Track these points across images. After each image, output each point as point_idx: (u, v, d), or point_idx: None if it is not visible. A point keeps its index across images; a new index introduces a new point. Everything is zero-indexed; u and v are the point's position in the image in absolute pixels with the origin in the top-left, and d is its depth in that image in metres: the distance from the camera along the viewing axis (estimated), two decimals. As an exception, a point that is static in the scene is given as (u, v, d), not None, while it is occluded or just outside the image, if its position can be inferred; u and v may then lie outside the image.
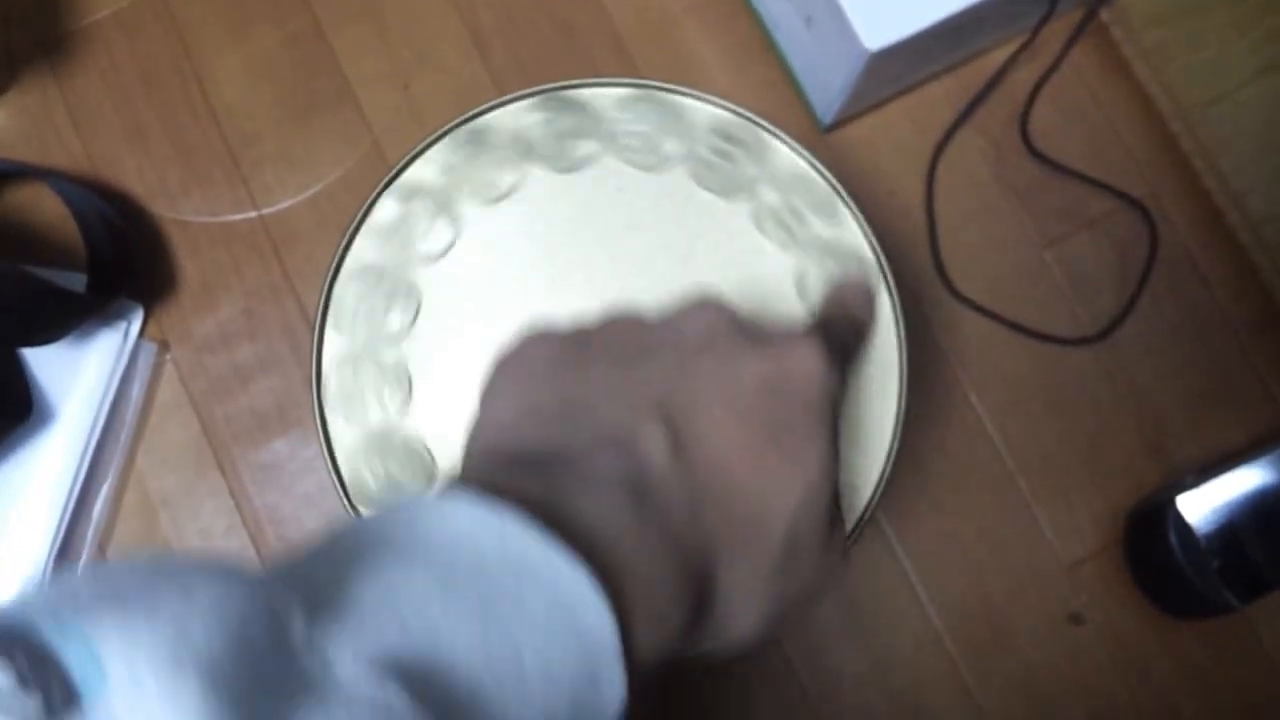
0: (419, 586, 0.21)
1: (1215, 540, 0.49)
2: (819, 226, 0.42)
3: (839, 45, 0.47)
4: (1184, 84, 0.54)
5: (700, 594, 0.26)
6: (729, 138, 0.43)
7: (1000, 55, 0.54)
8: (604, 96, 0.43)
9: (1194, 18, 0.54)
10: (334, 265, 0.42)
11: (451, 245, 0.42)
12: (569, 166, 0.42)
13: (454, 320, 0.41)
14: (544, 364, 0.29)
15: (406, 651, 0.20)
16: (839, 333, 0.34)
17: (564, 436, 0.26)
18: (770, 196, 0.42)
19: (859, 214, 0.42)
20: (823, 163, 0.42)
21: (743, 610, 0.27)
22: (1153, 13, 0.54)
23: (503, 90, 0.53)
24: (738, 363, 0.28)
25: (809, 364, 0.28)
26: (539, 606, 0.21)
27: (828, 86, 0.51)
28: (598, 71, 0.54)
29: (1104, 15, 0.54)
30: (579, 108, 0.43)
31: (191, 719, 0.16)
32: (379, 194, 0.42)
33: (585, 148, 0.42)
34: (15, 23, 0.54)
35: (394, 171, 0.42)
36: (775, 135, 0.43)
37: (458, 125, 0.43)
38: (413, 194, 0.42)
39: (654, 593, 0.24)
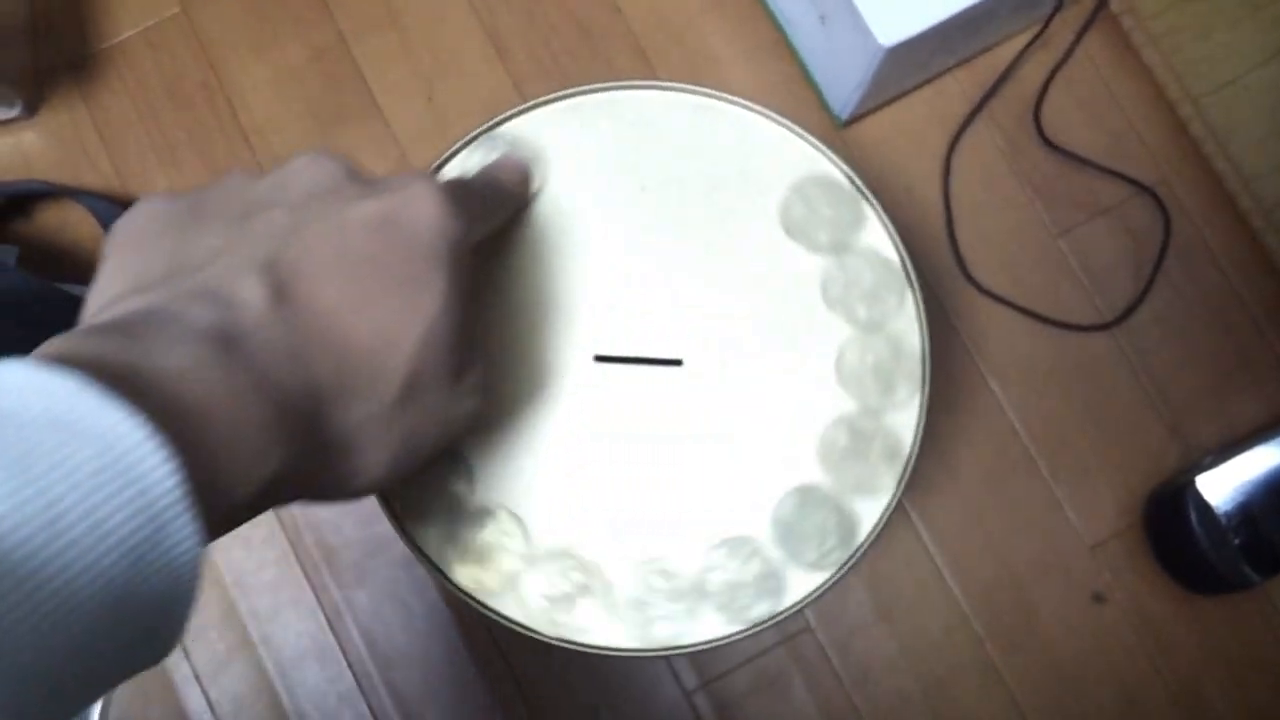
0: None
1: (1235, 518, 0.50)
2: (839, 226, 0.42)
3: (853, 42, 0.48)
4: (1194, 70, 0.54)
5: (310, 438, 0.26)
6: (754, 140, 0.43)
7: (1012, 47, 0.54)
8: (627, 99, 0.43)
9: (1203, 4, 0.54)
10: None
11: (479, 245, 0.43)
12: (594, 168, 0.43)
13: (486, 318, 0.42)
14: (155, 230, 0.29)
15: None
16: (475, 188, 0.34)
17: (161, 299, 0.26)
18: (795, 197, 0.43)
19: (884, 217, 0.43)
20: (841, 158, 0.43)
21: (369, 452, 0.28)
22: (1162, 1, 0.54)
23: (524, 94, 0.54)
24: (347, 207, 0.28)
25: (422, 204, 0.29)
26: (84, 462, 0.20)
27: (843, 83, 0.52)
28: (617, 72, 0.54)
29: (1114, 4, 0.55)
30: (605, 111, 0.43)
31: None
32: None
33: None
34: (43, 44, 0.54)
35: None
36: (799, 134, 0.43)
37: (484, 131, 0.43)
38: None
39: (241, 438, 0.24)
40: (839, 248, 0.43)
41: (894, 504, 0.40)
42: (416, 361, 0.28)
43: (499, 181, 0.37)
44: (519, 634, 0.37)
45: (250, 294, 0.26)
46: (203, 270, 0.27)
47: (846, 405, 0.39)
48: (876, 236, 0.43)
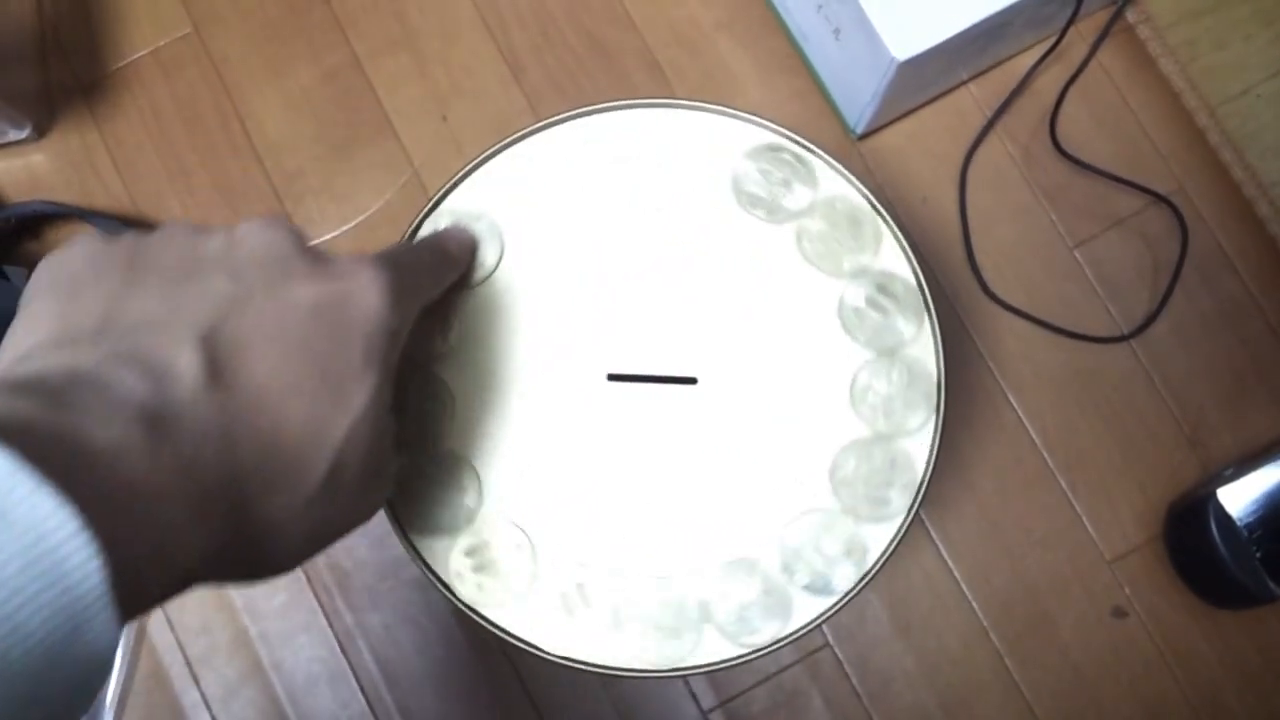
0: None
1: (1257, 530, 0.50)
2: (856, 249, 0.42)
3: (868, 56, 0.48)
4: (1210, 79, 0.54)
5: (229, 526, 0.25)
6: (772, 158, 0.43)
7: (1027, 59, 0.54)
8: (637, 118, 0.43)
9: (1219, 13, 0.54)
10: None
11: (496, 267, 0.42)
12: (612, 188, 0.42)
13: (496, 341, 0.42)
14: (89, 276, 0.27)
15: None
16: (415, 266, 0.34)
17: (91, 359, 0.24)
18: (812, 220, 0.43)
19: (904, 241, 0.42)
20: (855, 172, 0.43)
21: (280, 541, 0.27)
22: (1178, 10, 0.54)
23: (539, 113, 0.54)
24: (293, 286, 0.27)
25: (370, 293, 0.28)
26: (10, 558, 0.20)
27: (858, 96, 0.51)
28: (634, 89, 0.54)
29: (1129, 15, 0.55)
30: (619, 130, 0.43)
31: None
32: (421, 220, 0.43)
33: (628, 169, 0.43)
34: (53, 66, 0.54)
35: (436, 197, 0.43)
36: (817, 154, 0.43)
37: (498, 151, 0.43)
38: (458, 219, 0.43)
39: (166, 530, 0.23)
40: (858, 273, 0.42)
41: (904, 531, 0.40)
42: (339, 457, 0.27)
43: (445, 252, 0.37)
44: (534, 655, 0.37)
45: (185, 367, 0.25)
46: (136, 332, 0.25)
47: (859, 430, 0.39)
48: (895, 260, 0.42)
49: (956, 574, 0.52)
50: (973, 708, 0.52)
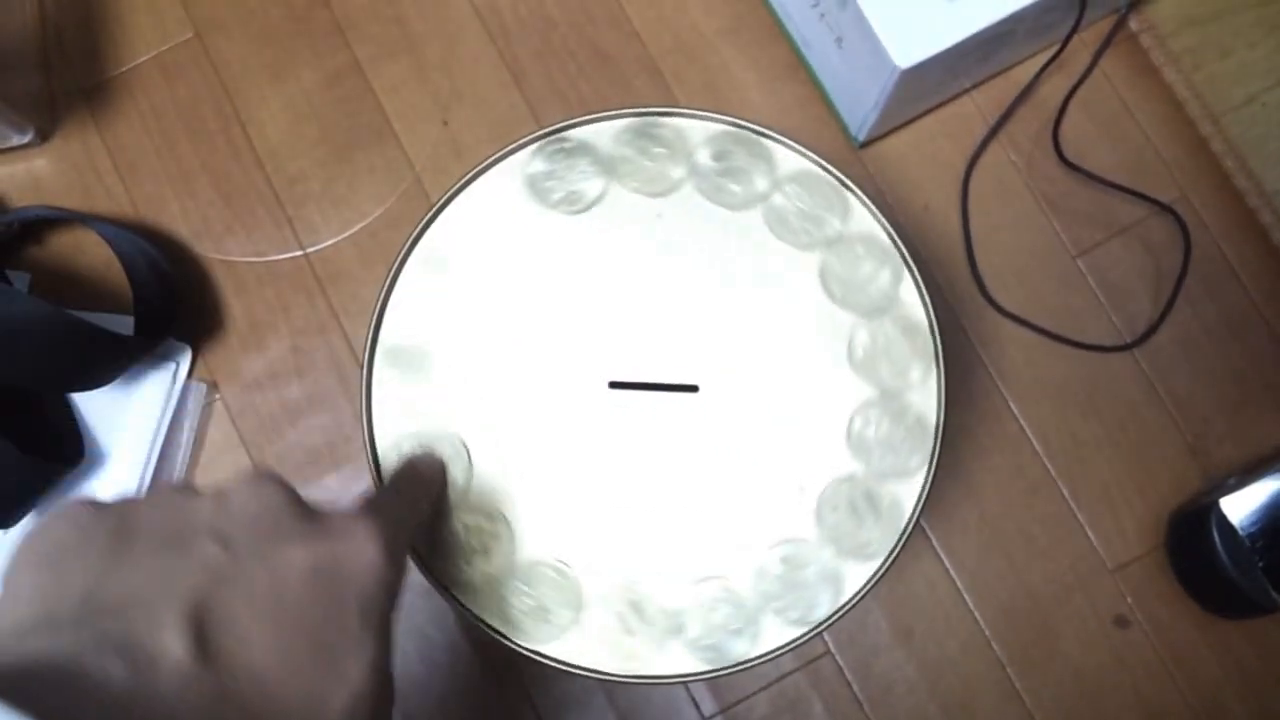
0: None
1: (1259, 540, 0.50)
2: (880, 285, 0.42)
3: (870, 64, 0.48)
4: (1214, 87, 0.54)
5: None
6: (736, 152, 0.42)
7: (1030, 67, 0.54)
8: (603, 131, 0.43)
9: (1222, 21, 0.54)
10: (381, 299, 0.42)
11: (502, 271, 0.42)
12: (648, 190, 0.42)
13: (502, 346, 0.42)
14: (72, 547, 0.26)
15: None
16: (400, 508, 0.33)
17: (72, 647, 0.23)
18: (781, 201, 0.42)
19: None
20: (856, 179, 0.42)
21: None
22: (1181, 18, 0.54)
23: (540, 119, 0.54)
24: (286, 550, 0.26)
25: (365, 553, 0.27)
26: None
27: (860, 104, 0.51)
28: (634, 97, 0.54)
29: (1133, 23, 0.55)
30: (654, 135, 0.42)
31: None
32: (425, 227, 0.42)
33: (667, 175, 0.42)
34: (56, 70, 0.54)
35: (439, 204, 0.43)
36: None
37: (502, 157, 0.43)
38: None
39: None
40: (873, 310, 0.42)
41: (884, 571, 0.40)
42: None
43: (423, 479, 0.36)
44: (538, 662, 0.37)
45: (170, 647, 0.24)
46: (120, 613, 0.24)
47: (852, 466, 0.39)
48: (910, 297, 0.42)
49: (958, 582, 0.52)
50: (974, 716, 0.52)
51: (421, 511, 0.36)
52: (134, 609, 0.24)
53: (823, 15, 0.50)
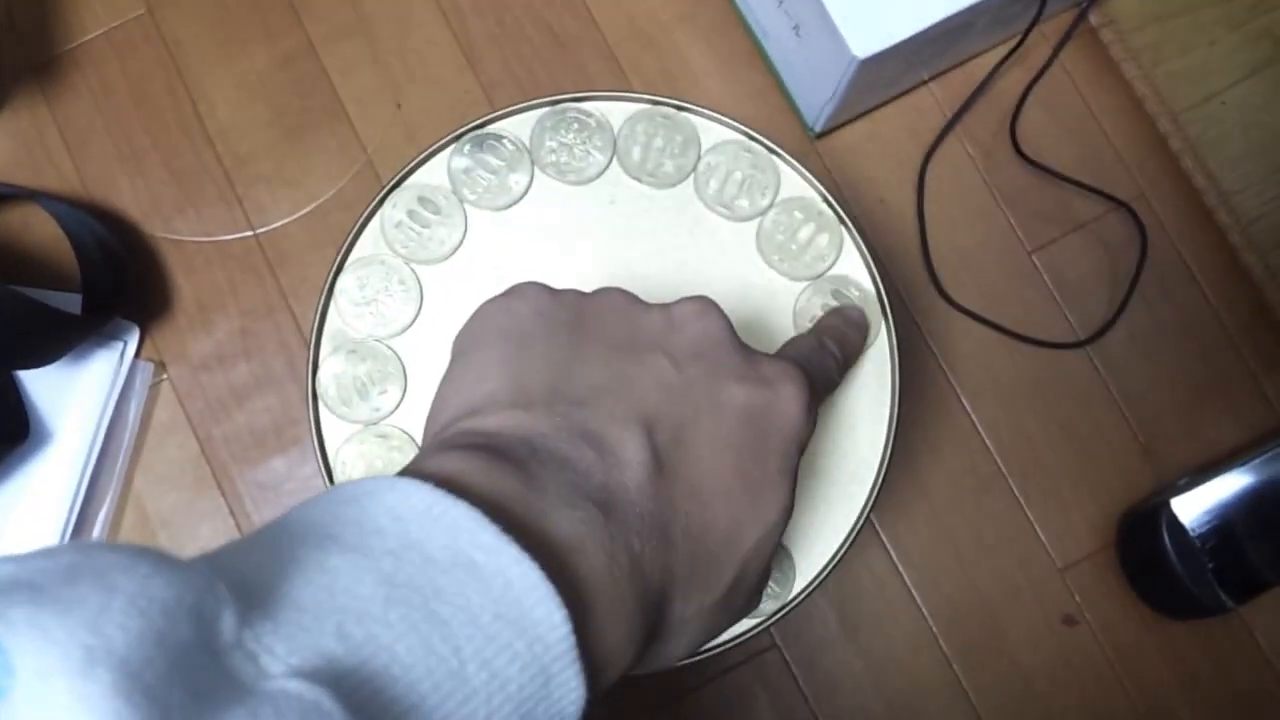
0: (361, 588, 0.20)
1: (1209, 541, 0.50)
2: (818, 250, 0.42)
3: (828, 53, 0.47)
4: (1173, 85, 0.54)
5: (652, 628, 0.25)
6: (732, 156, 0.43)
7: (989, 60, 0.54)
8: (602, 110, 0.43)
9: (1183, 19, 0.54)
10: (329, 282, 0.42)
11: (454, 252, 0.42)
12: (573, 178, 0.42)
13: (453, 325, 0.42)
14: (538, 333, 0.28)
15: (343, 659, 0.19)
16: (823, 367, 0.34)
17: (547, 428, 0.25)
18: (772, 217, 0.42)
19: (860, 242, 0.42)
20: (813, 170, 0.42)
21: (681, 640, 0.27)
22: (1143, 13, 0.54)
23: (494, 103, 0.53)
24: (728, 385, 0.27)
25: (793, 406, 0.28)
26: (484, 607, 0.20)
27: (817, 94, 0.51)
28: (589, 82, 0.54)
29: (1093, 18, 0.54)
30: (579, 120, 0.43)
31: None
32: (376, 205, 0.42)
33: (593, 160, 0.43)
34: (5, 45, 0.53)
35: (392, 182, 0.42)
36: (782, 158, 0.43)
37: (457, 136, 0.43)
38: (412, 203, 0.42)
39: (617, 618, 0.23)
40: (816, 276, 0.42)
41: (832, 565, 0.40)
42: (745, 564, 0.27)
43: (844, 355, 0.37)
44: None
45: (634, 454, 0.25)
46: (585, 406, 0.26)
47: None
48: (855, 266, 0.42)
49: (906, 578, 0.52)
50: (919, 713, 0.51)
51: (833, 378, 0.36)
52: (595, 405, 0.26)
53: (781, 3, 0.50)
